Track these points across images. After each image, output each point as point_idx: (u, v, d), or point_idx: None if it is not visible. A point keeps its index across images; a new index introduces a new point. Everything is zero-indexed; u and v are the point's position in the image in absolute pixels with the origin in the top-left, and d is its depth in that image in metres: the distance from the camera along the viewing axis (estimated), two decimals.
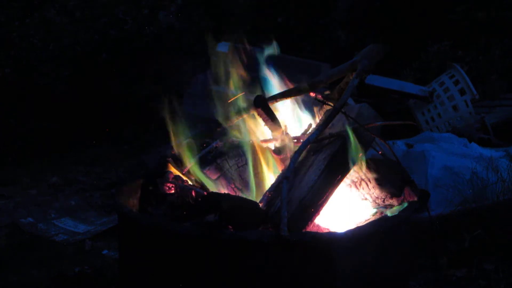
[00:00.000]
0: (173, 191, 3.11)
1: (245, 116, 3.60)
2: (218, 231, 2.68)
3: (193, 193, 3.01)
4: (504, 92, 6.52)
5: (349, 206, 3.31)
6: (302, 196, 2.93)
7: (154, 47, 7.60)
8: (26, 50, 7.13)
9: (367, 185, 3.28)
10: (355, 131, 3.09)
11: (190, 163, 3.38)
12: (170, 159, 3.37)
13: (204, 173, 3.35)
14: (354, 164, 3.15)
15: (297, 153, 3.06)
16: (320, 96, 3.50)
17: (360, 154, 3.16)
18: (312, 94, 3.54)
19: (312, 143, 3.17)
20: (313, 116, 3.63)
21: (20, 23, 7.27)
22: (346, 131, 3.08)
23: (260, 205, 2.95)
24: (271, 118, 3.42)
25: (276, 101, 3.58)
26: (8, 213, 5.10)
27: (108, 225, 4.84)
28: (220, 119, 3.57)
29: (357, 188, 3.30)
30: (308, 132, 3.48)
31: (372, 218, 3.18)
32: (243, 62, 3.71)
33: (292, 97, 3.61)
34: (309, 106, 3.69)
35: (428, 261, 3.73)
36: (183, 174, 3.35)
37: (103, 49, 7.45)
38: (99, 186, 5.84)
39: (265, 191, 3.11)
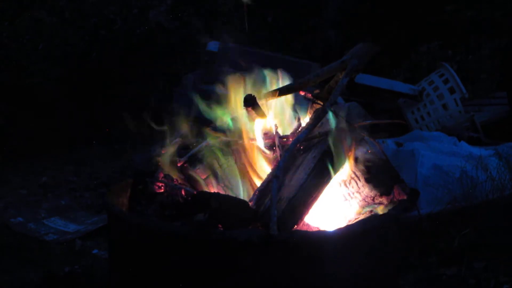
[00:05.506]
0: (162, 190, 3.12)
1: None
2: (207, 230, 2.68)
3: (183, 192, 3.01)
4: (494, 91, 6.54)
5: (339, 204, 3.32)
6: (291, 195, 2.93)
7: (144, 47, 7.59)
8: (15, 50, 7.11)
9: (357, 183, 3.28)
10: (344, 130, 3.10)
11: (180, 162, 3.38)
12: (160, 158, 3.37)
13: (194, 172, 3.35)
14: (343, 163, 3.16)
15: (287, 152, 3.07)
16: (309, 95, 3.51)
17: (350, 153, 3.17)
18: (301, 93, 3.55)
19: (301, 142, 3.18)
20: (304, 114, 3.64)
21: (9, 23, 7.25)
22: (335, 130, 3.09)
23: (250, 204, 2.95)
24: (261, 117, 3.42)
25: (266, 100, 3.57)
26: None
27: (98, 224, 4.83)
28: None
29: (347, 186, 3.30)
30: (297, 131, 3.48)
31: (362, 217, 3.18)
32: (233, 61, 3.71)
33: (283, 96, 3.61)
34: (300, 104, 3.70)
35: (417, 259, 3.74)
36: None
37: (93, 49, 7.43)
38: (89, 186, 5.83)
39: (254, 190, 3.11)
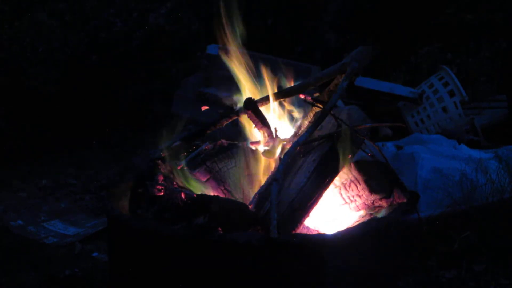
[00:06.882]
0: (162, 194, 3.11)
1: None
2: (207, 233, 2.68)
3: (183, 196, 3.01)
4: (494, 94, 6.53)
5: (339, 208, 3.32)
6: (291, 198, 2.93)
7: (144, 50, 7.59)
8: (15, 53, 7.10)
9: (357, 187, 3.28)
10: (344, 133, 3.10)
11: (180, 165, 3.38)
12: (159, 161, 3.36)
13: (194, 176, 3.35)
14: (343, 166, 3.16)
15: (287, 155, 3.07)
16: (309, 98, 3.51)
17: (350, 156, 3.17)
18: (301, 96, 3.55)
19: (301, 145, 3.18)
20: (304, 118, 3.63)
21: (9, 26, 7.24)
22: (336, 133, 3.09)
23: (250, 207, 2.95)
24: (261, 121, 3.42)
25: (267, 103, 3.57)
26: None
27: (98, 227, 4.82)
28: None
29: (347, 190, 3.30)
30: (297, 134, 3.48)
31: (361, 220, 3.19)
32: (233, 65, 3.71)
33: (283, 99, 3.61)
34: (300, 107, 3.70)
35: (417, 262, 3.73)
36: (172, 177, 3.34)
37: (93, 52, 7.42)
38: (89, 189, 5.81)
39: (254, 193, 3.11)
